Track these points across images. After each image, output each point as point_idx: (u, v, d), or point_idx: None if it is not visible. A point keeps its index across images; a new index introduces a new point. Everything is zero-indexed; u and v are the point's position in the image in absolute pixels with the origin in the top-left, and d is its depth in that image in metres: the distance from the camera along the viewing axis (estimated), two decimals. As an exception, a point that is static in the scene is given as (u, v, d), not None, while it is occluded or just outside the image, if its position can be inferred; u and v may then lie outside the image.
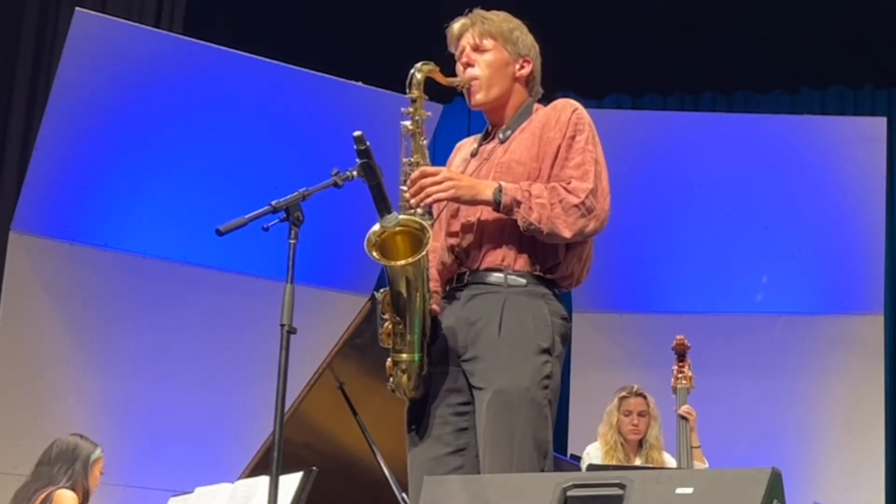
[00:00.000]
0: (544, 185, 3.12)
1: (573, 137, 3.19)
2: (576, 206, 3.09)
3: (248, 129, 6.90)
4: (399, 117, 3.18)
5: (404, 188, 3.14)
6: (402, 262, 3.04)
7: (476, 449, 3.11)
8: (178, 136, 6.79)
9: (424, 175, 3.10)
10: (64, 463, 5.06)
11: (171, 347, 6.84)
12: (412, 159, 3.16)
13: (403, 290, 3.07)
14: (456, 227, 3.22)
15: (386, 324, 3.11)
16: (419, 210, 3.11)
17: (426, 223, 3.08)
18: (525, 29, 3.34)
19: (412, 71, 3.17)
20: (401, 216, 3.08)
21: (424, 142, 3.19)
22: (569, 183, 3.12)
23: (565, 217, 3.08)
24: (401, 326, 3.09)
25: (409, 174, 3.14)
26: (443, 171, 3.13)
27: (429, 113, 3.20)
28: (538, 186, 3.11)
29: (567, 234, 3.09)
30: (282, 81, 6.89)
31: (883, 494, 7.32)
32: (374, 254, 3.05)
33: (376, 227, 3.07)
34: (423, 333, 3.12)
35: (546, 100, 3.37)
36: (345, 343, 4.38)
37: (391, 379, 3.14)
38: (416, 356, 3.11)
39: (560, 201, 3.08)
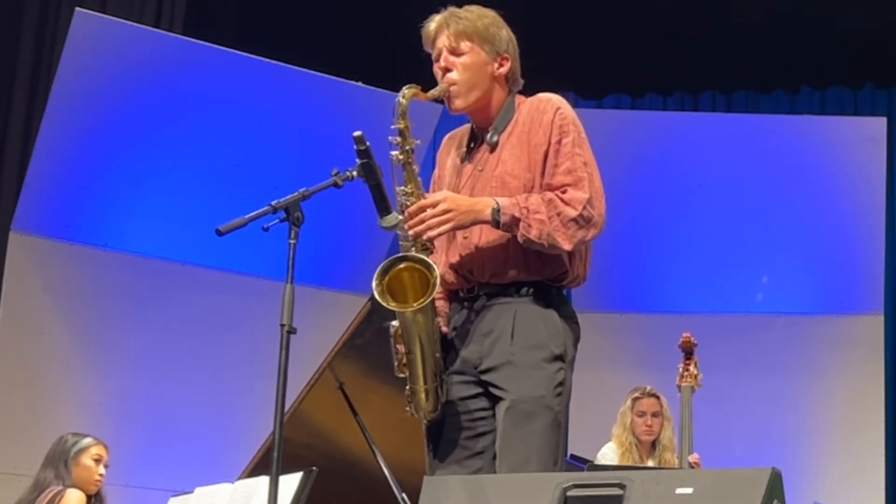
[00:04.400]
0: (541, 196, 3.11)
1: (560, 141, 3.16)
2: (574, 219, 3.08)
3: (248, 129, 6.89)
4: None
5: (401, 218, 3.13)
6: (412, 308, 3.05)
7: (493, 451, 3.14)
8: (178, 136, 6.78)
9: (423, 208, 3.09)
10: (48, 467, 5.07)
11: (171, 347, 6.83)
12: (406, 189, 3.15)
13: (415, 331, 3.09)
14: (457, 249, 3.22)
15: (400, 356, 3.14)
16: (420, 241, 3.11)
17: (431, 261, 3.09)
18: (500, 21, 3.28)
19: (397, 98, 3.13)
20: (402, 254, 3.11)
21: (416, 169, 3.17)
22: (564, 192, 3.10)
23: (564, 230, 3.08)
24: (415, 359, 3.12)
25: (405, 204, 3.13)
26: (440, 204, 3.10)
27: (418, 141, 3.18)
28: (535, 200, 3.10)
29: (567, 246, 3.09)
30: (282, 81, 6.88)
31: (883, 494, 7.32)
32: (391, 303, 3.06)
33: (377, 273, 3.07)
34: (436, 359, 3.14)
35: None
36: (345, 343, 4.38)
37: (410, 405, 3.17)
38: (433, 384, 3.14)
39: (558, 214, 3.08)
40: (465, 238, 3.20)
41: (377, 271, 3.08)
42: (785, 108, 8.33)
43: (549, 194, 3.11)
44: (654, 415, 5.69)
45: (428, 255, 3.11)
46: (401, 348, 3.13)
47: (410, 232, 3.11)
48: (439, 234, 3.13)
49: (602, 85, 8.42)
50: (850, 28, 7.79)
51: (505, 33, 3.28)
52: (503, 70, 3.26)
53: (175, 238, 6.91)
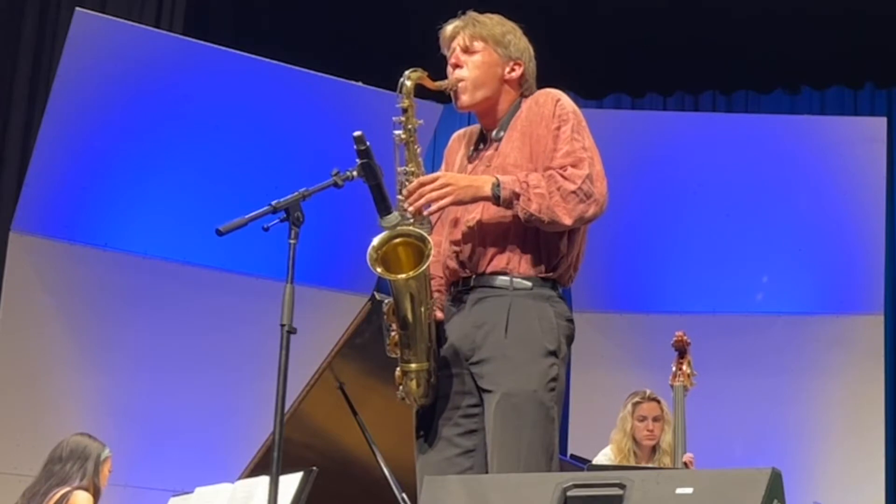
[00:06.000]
0: (541, 174, 3.13)
1: (558, 128, 3.19)
2: (573, 192, 3.09)
3: (248, 129, 6.90)
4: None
5: (401, 197, 3.14)
6: (405, 276, 3.05)
7: (486, 449, 3.13)
8: (178, 136, 6.78)
9: (422, 184, 3.10)
10: (76, 461, 5.09)
11: (171, 347, 6.83)
12: (407, 168, 3.16)
13: (408, 302, 3.08)
14: (457, 234, 3.22)
15: (392, 334, 3.13)
16: (418, 218, 3.11)
17: (427, 234, 3.09)
18: (519, 32, 3.33)
19: (401, 80, 3.16)
20: (399, 227, 3.09)
21: (418, 149, 3.19)
22: (564, 170, 3.12)
23: (564, 204, 3.08)
24: (407, 337, 3.11)
25: (406, 183, 3.14)
26: (440, 178, 3.13)
27: (421, 121, 3.19)
28: (535, 176, 3.11)
29: (567, 220, 3.09)
30: (282, 81, 6.88)
31: (883, 494, 7.32)
32: (378, 269, 3.05)
33: (374, 242, 3.08)
34: (430, 341, 3.13)
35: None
36: (345, 343, 4.38)
37: (401, 388, 3.15)
38: (424, 365, 3.13)
39: (558, 189, 3.09)
40: (466, 227, 3.20)
41: (373, 243, 3.07)
42: (785, 108, 8.33)
43: (549, 171, 3.13)
44: (655, 419, 5.66)
45: (427, 233, 3.11)
46: (393, 328, 3.13)
47: (410, 207, 3.10)
48: (439, 208, 3.14)
49: (602, 85, 8.42)
50: (850, 28, 7.79)
51: (522, 43, 3.32)
52: (514, 74, 3.29)
53: (175, 238, 6.91)
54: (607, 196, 3.16)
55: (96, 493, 5.09)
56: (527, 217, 3.09)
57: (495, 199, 3.10)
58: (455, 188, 3.10)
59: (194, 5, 7.76)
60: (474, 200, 3.14)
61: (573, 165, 3.13)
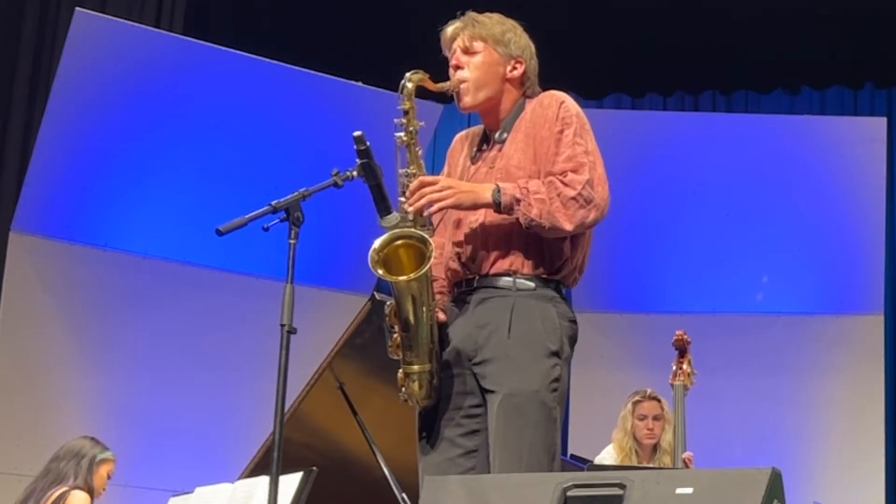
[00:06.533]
0: (541, 180, 3.13)
1: (561, 132, 3.19)
2: (573, 198, 3.09)
3: (248, 129, 6.90)
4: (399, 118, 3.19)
5: (403, 199, 3.14)
6: (406, 277, 3.06)
7: (488, 450, 3.13)
8: (178, 136, 6.79)
9: (423, 185, 3.11)
10: (71, 460, 5.11)
11: (171, 347, 6.83)
12: (409, 170, 3.16)
13: (409, 303, 3.09)
14: (460, 236, 3.23)
15: (394, 336, 3.13)
16: (419, 219, 3.12)
17: (428, 235, 3.09)
18: (519, 30, 3.32)
19: (402, 81, 3.17)
20: (399, 230, 3.09)
21: (420, 151, 3.19)
22: (565, 176, 3.12)
23: (564, 210, 3.09)
24: (409, 338, 3.11)
25: (407, 185, 3.14)
26: (441, 181, 3.14)
27: (422, 123, 3.19)
28: (535, 182, 3.12)
29: (568, 226, 3.10)
30: (282, 81, 6.88)
31: (883, 494, 7.32)
32: (380, 271, 3.05)
33: (376, 244, 3.08)
34: (432, 343, 3.13)
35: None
36: (345, 343, 4.38)
37: (403, 389, 3.16)
38: (427, 366, 3.13)
39: (558, 195, 3.09)
40: (469, 228, 3.20)
41: (374, 245, 3.07)
42: (785, 108, 8.33)
43: (550, 177, 3.13)
44: (656, 418, 5.67)
45: (428, 235, 3.11)
46: (395, 328, 3.13)
47: (410, 208, 3.11)
48: (440, 209, 3.14)
49: (602, 85, 8.42)
50: (850, 28, 7.79)
51: (522, 41, 3.31)
52: (516, 73, 3.29)
53: (175, 238, 6.91)
54: (609, 200, 3.16)
55: (90, 493, 5.09)
56: (528, 223, 3.09)
57: (496, 206, 3.11)
58: (456, 192, 3.11)
59: (194, 5, 7.76)
60: (475, 206, 3.14)
61: (573, 171, 3.13)
